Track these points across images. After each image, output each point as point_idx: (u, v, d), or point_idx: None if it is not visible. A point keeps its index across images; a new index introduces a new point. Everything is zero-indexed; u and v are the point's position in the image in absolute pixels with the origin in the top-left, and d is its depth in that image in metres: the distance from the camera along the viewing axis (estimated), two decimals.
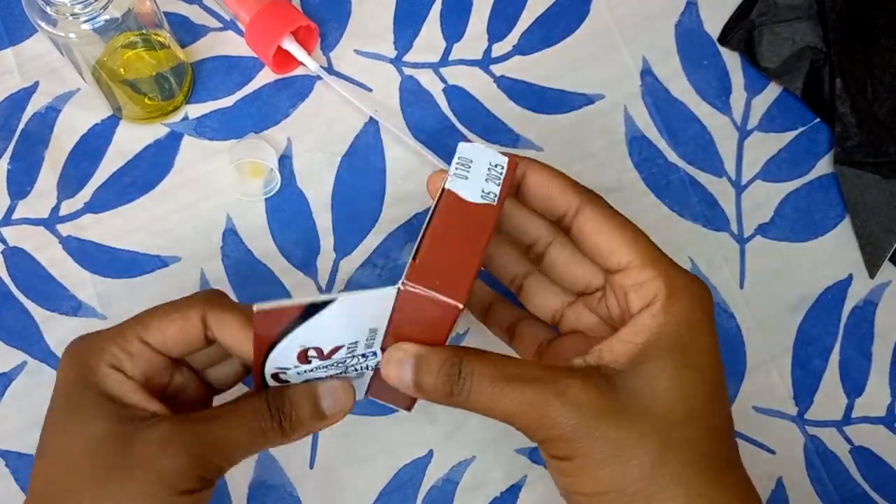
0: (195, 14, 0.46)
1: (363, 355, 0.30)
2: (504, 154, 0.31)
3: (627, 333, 0.28)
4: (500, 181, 0.30)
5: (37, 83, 0.44)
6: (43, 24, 0.35)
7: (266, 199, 0.43)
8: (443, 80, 0.46)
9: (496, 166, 0.30)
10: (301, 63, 0.44)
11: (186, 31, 0.45)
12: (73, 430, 0.29)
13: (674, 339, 0.28)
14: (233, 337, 0.30)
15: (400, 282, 0.27)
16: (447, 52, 0.46)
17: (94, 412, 0.29)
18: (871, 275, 0.43)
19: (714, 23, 0.47)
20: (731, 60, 0.47)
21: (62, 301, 0.41)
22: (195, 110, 0.44)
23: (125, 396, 0.30)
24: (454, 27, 0.46)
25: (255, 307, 0.25)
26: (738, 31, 0.46)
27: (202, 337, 0.31)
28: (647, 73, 0.46)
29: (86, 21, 0.35)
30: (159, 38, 0.41)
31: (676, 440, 0.27)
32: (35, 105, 0.44)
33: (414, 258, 0.27)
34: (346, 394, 0.31)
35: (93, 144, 0.43)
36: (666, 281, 0.29)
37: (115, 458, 0.28)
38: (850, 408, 0.42)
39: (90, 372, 0.30)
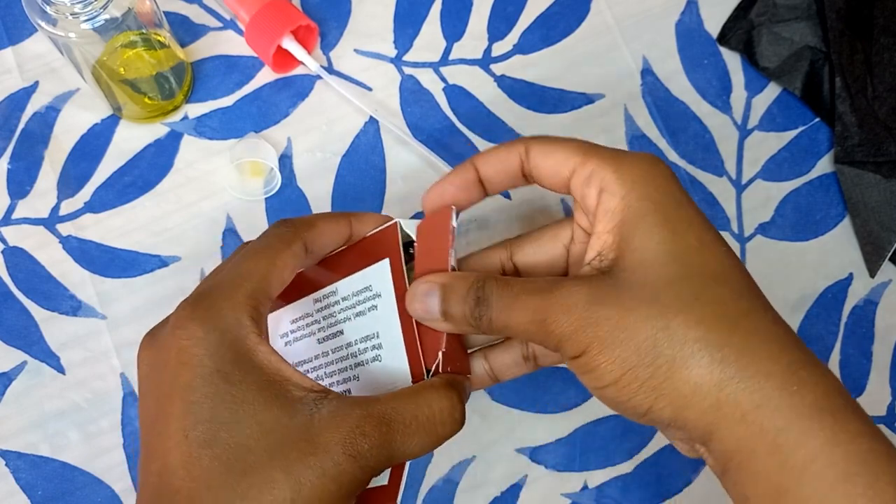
0: (195, 13, 0.46)
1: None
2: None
3: (599, 225, 0.28)
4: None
5: (37, 83, 0.44)
6: (43, 24, 0.35)
7: (266, 199, 0.43)
8: (443, 79, 0.45)
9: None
10: (301, 62, 0.44)
11: (186, 31, 0.45)
12: (239, 420, 0.25)
13: (643, 205, 0.27)
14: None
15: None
16: (447, 51, 0.46)
17: (259, 397, 0.26)
18: (872, 274, 0.43)
19: (714, 22, 0.47)
20: (732, 60, 0.47)
21: (62, 301, 0.41)
22: (195, 110, 0.44)
23: (284, 372, 0.27)
24: (454, 26, 0.46)
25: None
26: (738, 31, 0.46)
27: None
28: (647, 72, 0.46)
29: (86, 20, 0.35)
30: (159, 38, 0.41)
31: (678, 299, 0.26)
32: (35, 105, 0.44)
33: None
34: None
35: (93, 144, 0.43)
36: (608, 163, 0.28)
37: (301, 444, 0.25)
38: None
39: (246, 350, 0.27)
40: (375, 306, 0.32)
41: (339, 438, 0.25)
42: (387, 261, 0.32)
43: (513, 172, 0.32)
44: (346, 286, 0.34)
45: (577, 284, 0.27)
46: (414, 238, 0.33)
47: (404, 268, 0.32)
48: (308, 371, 0.34)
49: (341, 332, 0.33)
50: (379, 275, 0.32)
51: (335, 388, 0.33)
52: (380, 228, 0.33)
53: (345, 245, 0.34)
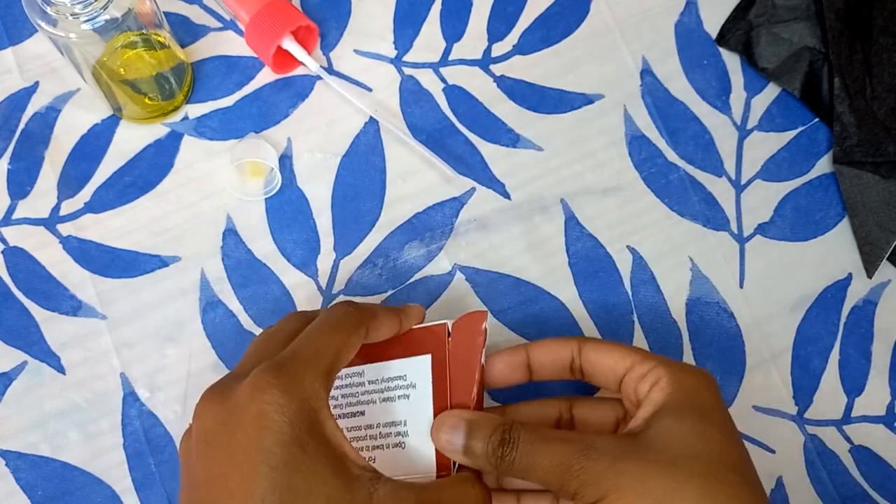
0: (195, 14, 0.46)
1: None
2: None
3: (643, 411, 0.31)
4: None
5: (37, 83, 0.44)
6: (43, 24, 0.35)
7: (266, 199, 0.43)
8: (443, 79, 0.46)
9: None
10: (301, 63, 0.44)
11: (186, 31, 0.45)
12: (310, 491, 0.26)
13: (682, 401, 0.31)
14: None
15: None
16: (447, 51, 0.46)
17: (328, 470, 0.27)
18: (869, 274, 0.44)
19: (714, 22, 0.47)
20: (731, 60, 0.47)
21: (62, 301, 0.41)
22: (195, 110, 0.44)
23: (345, 448, 0.28)
24: (454, 27, 0.46)
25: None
26: (736, 32, 0.46)
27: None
28: (646, 72, 0.46)
29: (86, 21, 0.35)
30: (159, 38, 0.41)
31: (694, 468, 0.29)
32: (35, 105, 0.44)
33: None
34: None
35: (93, 144, 0.43)
36: (667, 364, 0.32)
37: None
38: (849, 407, 0.42)
39: (319, 421, 0.28)
40: (407, 395, 0.34)
41: None
42: (429, 357, 0.34)
43: (562, 365, 0.35)
44: (376, 371, 0.35)
45: (605, 438, 0.30)
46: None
47: (448, 369, 0.34)
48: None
49: (362, 413, 0.35)
50: (418, 367, 0.34)
51: None
52: (429, 325, 0.35)
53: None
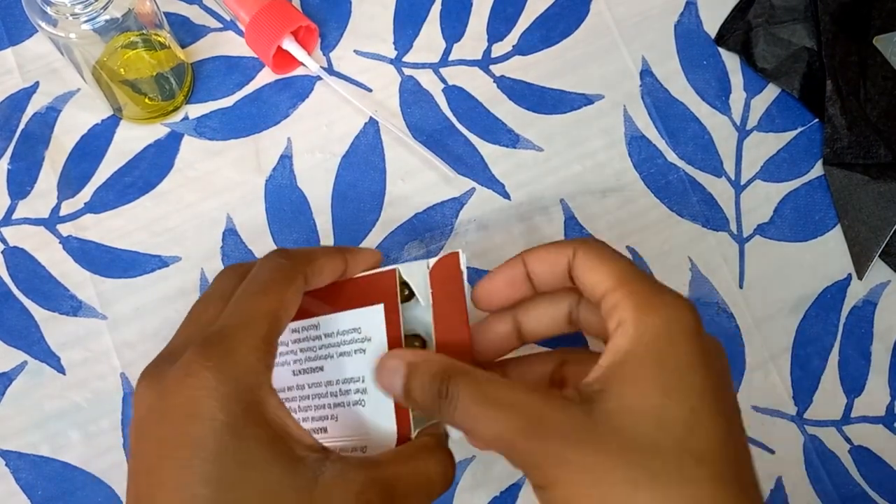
0: (195, 14, 0.46)
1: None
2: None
3: (602, 358, 0.27)
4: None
5: (37, 83, 0.44)
6: (43, 25, 0.35)
7: (266, 199, 0.43)
8: (443, 80, 0.46)
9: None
10: (301, 63, 0.44)
11: (186, 32, 0.45)
12: (245, 481, 0.24)
13: (647, 356, 0.26)
14: None
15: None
16: (447, 52, 0.46)
17: (267, 455, 0.25)
18: (860, 276, 0.44)
19: (713, 23, 0.47)
20: (731, 60, 0.47)
21: (62, 301, 0.41)
22: (195, 110, 0.44)
23: (289, 427, 0.26)
24: (454, 27, 0.47)
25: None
26: (735, 33, 0.47)
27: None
28: (646, 73, 0.46)
29: (86, 21, 0.35)
30: (159, 39, 0.41)
31: (653, 471, 0.25)
32: (35, 105, 0.44)
33: None
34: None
35: (93, 144, 0.43)
36: (636, 299, 0.27)
37: None
38: (849, 407, 0.42)
39: (257, 402, 0.26)
40: (363, 350, 0.32)
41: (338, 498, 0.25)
42: (381, 307, 0.32)
43: (560, 273, 0.31)
44: (329, 323, 0.33)
45: (556, 409, 0.26)
46: (409, 283, 0.33)
47: (401, 317, 0.32)
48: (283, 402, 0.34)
49: (321, 369, 0.33)
50: (371, 319, 0.32)
51: (310, 424, 0.33)
52: (377, 272, 0.33)
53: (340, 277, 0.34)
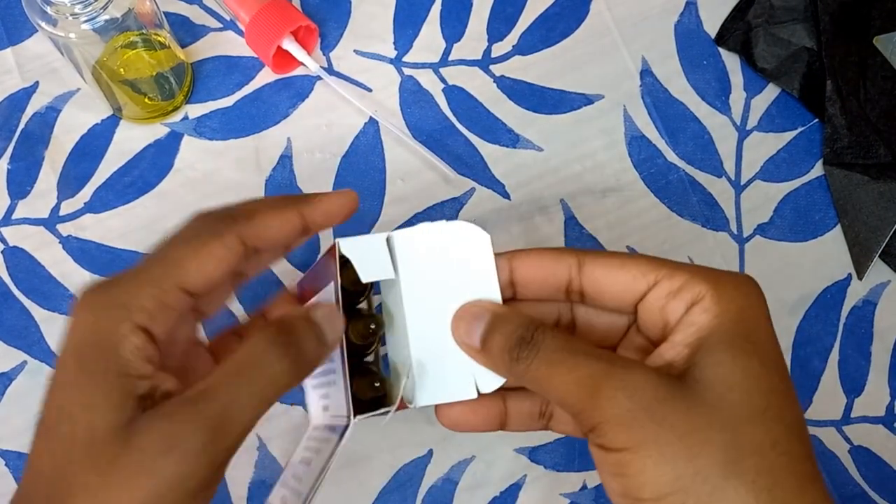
0: (195, 14, 0.46)
1: None
2: None
3: (680, 336, 0.26)
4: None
5: (37, 83, 0.44)
6: (43, 24, 0.35)
7: (266, 197, 0.43)
8: (442, 80, 0.46)
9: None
10: (301, 63, 0.44)
11: (186, 31, 0.45)
12: (77, 413, 0.24)
13: (734, 329, 0.25)
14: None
15: None
16: (447, 52, 0.46)
17: (103, 391, 0.24)
18: (860, 276, 0.44)
19: (713, 23, 0.47)
20: (731, 60, 0.47)
21: (62, 301, 0.41)
22: (195, 110, 0.44)
23: (139, 368, 0.25)
24: (454, 27, 0.46)
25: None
26: (735, 33, 0.47)
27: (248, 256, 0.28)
28: (646, 73, 0.46)
29: (86, 21, 0.35)
30: (159, 38, 0.41)
31: (751, 438, 0.23)
32: (35, 105, 0.44)
33: None
34: (336, 316, 0.29)
35: (93, 144, 0.43)
36: (707, 277, 0.26)
37: (115, 458, 0.24)
38: (849, 407, 0.42)
39: (109, 333, 0.25)
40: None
41: (154, 461, 0.23)
42: (331, 285, 0.30)
43: (555, 285, 0.29)
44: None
45: (648, 371, 0.24)
46: (349, 257, 0.30)
47: (339, 291, 0.30)
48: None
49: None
50: (329, 297, 0.31)
51: (323, 401, 0.33)
52: (328, 248, 0.31)
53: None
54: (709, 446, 0.23)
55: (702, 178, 0.45)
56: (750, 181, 0.45)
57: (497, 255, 0.31)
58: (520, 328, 0.26)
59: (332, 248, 0.30)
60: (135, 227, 0.42)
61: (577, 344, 0.26)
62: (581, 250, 0.29)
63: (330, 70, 0.45)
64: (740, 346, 0.25)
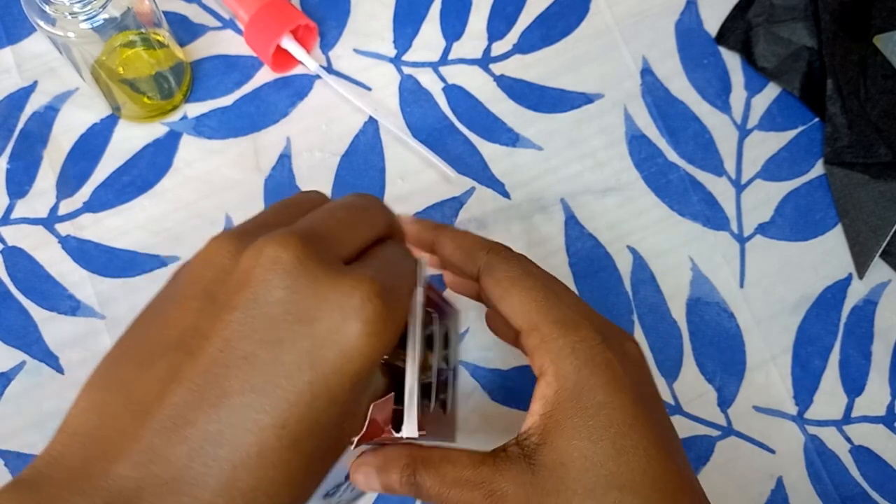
0: (194, 13, 0.46)
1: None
2: None
3: (535, 404, 0.29)
4: None
5: (35, 82, 0.44)
6: (42, 23, 0.35)
7: (265, 198, 0.43)
8: (442, 79, 0.45)
9: None
10: (300, 62, 0.44)
11: (185, 30, 0.45)
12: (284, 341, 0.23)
13: (570, 404, 0.28)
14: None
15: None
16: (447, 51, 0.46)
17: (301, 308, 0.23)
18: (860, 275, 0.43)
19: (714, 22, 0.47)
20: (731, 59, 0.47)
21: (61, 301, 0.41)
22: (194, 109, 0.44)
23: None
24: (454, 26, 0.46)
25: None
26: (735, 31, 0.46)
27: None
28: (646, 72, 0.46)
29: (84, 20, 0.35)
30: (158, 37, 0.41)
31: None
32: (34, 104, 0.44)
33: None
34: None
35: (92, 144, 0.43)
36: (549, 346, 0.28)
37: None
38: (849, 407, 0.42)
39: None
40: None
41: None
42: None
43: (469, 274, 0.31)
44: None
45: (506, 483, 0.28)
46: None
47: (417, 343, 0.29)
48: None
49: None
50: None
51: None
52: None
53: None
54: None
55: (702, 177, 0.45)
56: (750, 180, 0.45)
57: (428, 228, 0.32)
58: (404, 474, 0.29)
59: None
60: (134, 226, 0.42)
61: (449, 473, 0.29)
62: (484, 260, 0.31)
63: (329, 69, 0.45)
64: (571, 425, 0.27)
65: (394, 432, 0.28)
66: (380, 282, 0.22)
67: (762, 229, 0.44)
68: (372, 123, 0.44)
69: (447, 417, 0.34)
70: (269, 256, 0.22)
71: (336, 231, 0.24)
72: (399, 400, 0.28)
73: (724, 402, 0.42)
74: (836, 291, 0.44)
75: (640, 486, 0.27)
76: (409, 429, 0.28)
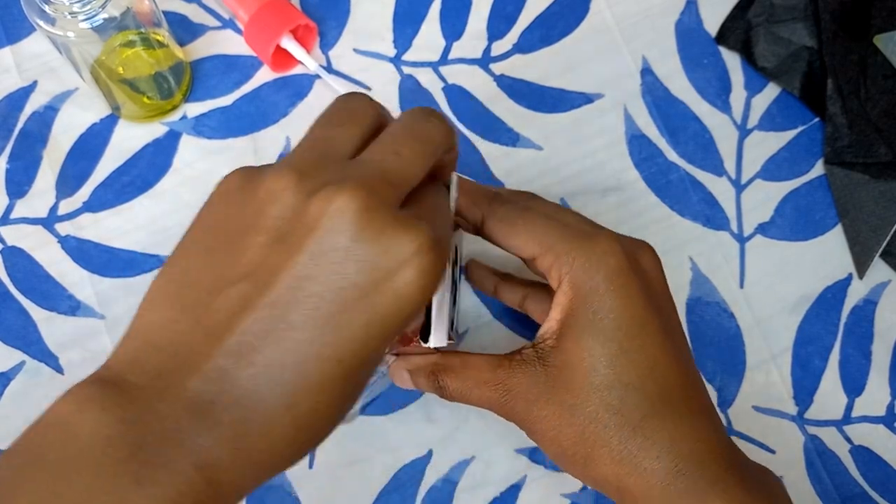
0: (194, 13, 0.46)
1: None
2: None
3: (553, 311, 0.31)
4: None
5: (35, 82, 0.44)
6: (41, 23, 0.35)
7: None
8: (442, 79, 0.45)
9: None
10: (300, 62, 0.44)
11: (185, 30, 0.45)
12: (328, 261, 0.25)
13: (586, 310, 0.30)
14: None
15: None
16: (447, 50, 0.46)
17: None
18: (860, 275, 0.43)
19: (714, 21, 0.47)
20: (731, 59, 0.47)
21: (61, 301, 0.41)
22: (194, 109, 0.44)
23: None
24: (453, 26, 0.46)
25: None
26: (735, 31, 0.46)
27: None
28: (646, 71, 0.46)
29: (84, 20, 0.35)
30: (158, 37, 0.41)
31: (594, 408, 0.30)
32: (33, 104, 0.44)
33: None
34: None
35: (91, 143, 0.43)
36: (565, 260, 0.31)
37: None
38: (849, 407, 0.42)
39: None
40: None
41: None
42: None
43: (473, 225, 0.34)
44: None
45: (520, 379, 0.31)
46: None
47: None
48: None
49: None
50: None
51: None
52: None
53: None
54: (566, 422, 0.30)
55: (702, 177, 0.45)
56: (750, 180, 0.45)
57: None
58: (430, 379, 0.33)
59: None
60: (133, 226, 0.42)
61: (470, 375, 0.32)
62: (491, 199, 0.33)
63: (329, 69, 0.45)
64: (587, 330, 0.30)
65: (421, 342, 0.31)
66: (433, 235, 0.25)
67: (762, 229, 0.44)
68: None
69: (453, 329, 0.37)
70: (338, 207, 0.23)
71: (401, 173, 0.26)
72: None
73: (724, 402, 0.42)
74: (836, 291, 0.44)
75: (644, 385, 0.30)
76: (438, 338, 0.31)
